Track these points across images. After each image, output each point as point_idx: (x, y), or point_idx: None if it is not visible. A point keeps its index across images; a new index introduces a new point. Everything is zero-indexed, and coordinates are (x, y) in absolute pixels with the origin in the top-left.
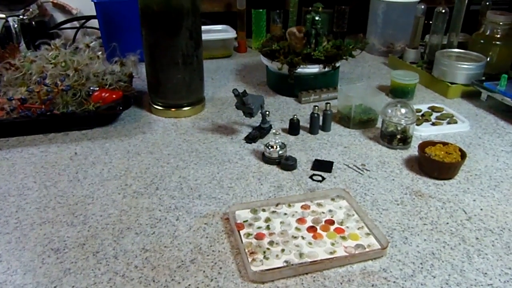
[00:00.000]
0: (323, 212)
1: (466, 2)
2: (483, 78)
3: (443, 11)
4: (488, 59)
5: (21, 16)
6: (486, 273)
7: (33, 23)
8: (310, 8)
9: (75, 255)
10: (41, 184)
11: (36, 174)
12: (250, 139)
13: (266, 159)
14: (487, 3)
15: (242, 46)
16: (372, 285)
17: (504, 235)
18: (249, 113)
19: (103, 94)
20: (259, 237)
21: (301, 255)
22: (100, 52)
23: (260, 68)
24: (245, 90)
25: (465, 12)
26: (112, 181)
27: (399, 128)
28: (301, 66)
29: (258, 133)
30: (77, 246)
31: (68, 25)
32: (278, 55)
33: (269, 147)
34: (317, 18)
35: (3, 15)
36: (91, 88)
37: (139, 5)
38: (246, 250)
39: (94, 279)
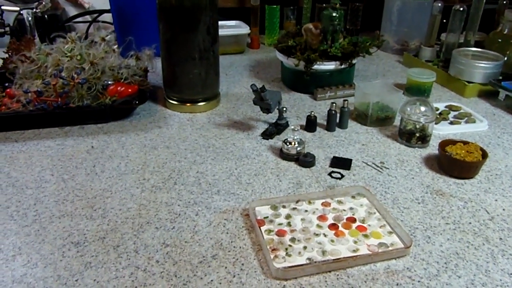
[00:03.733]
0: (344, 210)
1: (484, 0)
2: (501, 77)
3: (461, 9)
4: (506, 58)
5: (34, 9)
6: (511, 274)
7: (46, 16)
8: (324, 5)
9: (96, 249)
10: (58, 177)
11: (53, 167)
12: (267, 135)
13: (284, 156)
14: (504, 2)
15: (255, 42)
16: (397, 284)
17: None
18: (267, 109)
19: (118, 88)
20: (280, 233)
21: (323, 252)
22: (115, 46)
23: (274, 64)
24: (263, 86)
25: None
26: (130, 175)
27: (418, 126)
28: (318, 62)
29: (275, 129)
30: (97, 239)
31: (80, 19)
32: (294, 51)
33: (287, 143)
34: (334, 14)
35: (17, 8)
36: (106, 82)
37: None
38: (268, 247)
39: (116, 273)
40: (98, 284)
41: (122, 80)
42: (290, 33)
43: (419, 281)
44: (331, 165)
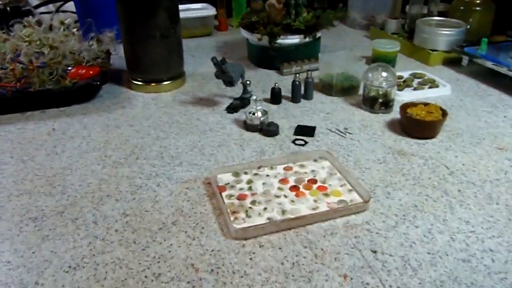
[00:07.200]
0: (306, 172)
1: None
2: (464, 44)
3: None
4: (468, 26)
5: None
6: (468, 221)
7: (8, 8)
8: None
9: (54, 223)
10: (18, 159)
11: (12, 149)
12: (231, 109)
13: (248, 126)
14: None
15: (222, 24)
16: (355, 237)
17: (486, 187)
18: (229, 82)
19: (79, 71)
20: (241, 197)
21: (283, 212)
22: (75, 29)
23: (241, 45)
24: (223, 58)
25: None
26: (91, 153)
27: (380, 92)
28: (282, 36)
29: (240, 103)
30: (56, 214)
31: (44, 9)
32: (257, 26)
33: (251, 114)
34: None
35: None
36: (69, 66)
37: None
38: (228, 210)
39: (74, 243)
40: (56, 254)
41: (84, 63)
42: (254, 10)
43: (377, 233)
44: (295, 133)
